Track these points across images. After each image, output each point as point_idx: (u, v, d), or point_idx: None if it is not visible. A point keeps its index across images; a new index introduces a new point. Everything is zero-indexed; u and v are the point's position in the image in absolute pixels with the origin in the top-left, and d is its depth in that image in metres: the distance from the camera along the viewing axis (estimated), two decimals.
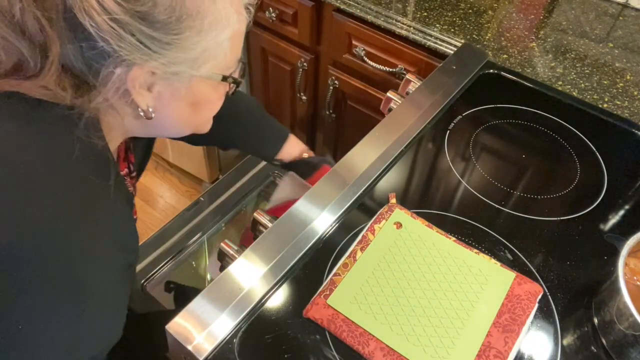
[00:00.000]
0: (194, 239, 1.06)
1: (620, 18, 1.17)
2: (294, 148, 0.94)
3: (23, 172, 0.45)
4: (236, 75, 0.57)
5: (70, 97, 0.47)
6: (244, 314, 0.59)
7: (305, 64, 1.37)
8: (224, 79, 0.54)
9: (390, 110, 0.94)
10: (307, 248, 0.66)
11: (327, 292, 0.62)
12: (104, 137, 0.51)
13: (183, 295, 0.97)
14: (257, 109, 0.95)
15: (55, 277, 0.45)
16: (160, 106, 0.52)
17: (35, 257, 0.44)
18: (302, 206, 0.70)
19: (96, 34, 0.43)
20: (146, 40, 0.44)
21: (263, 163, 1.21)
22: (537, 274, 0.66)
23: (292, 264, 0.64)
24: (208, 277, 1.11)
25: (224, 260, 0.72)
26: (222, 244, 0.73)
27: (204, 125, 0.62)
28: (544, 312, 0.63)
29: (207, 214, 1.11)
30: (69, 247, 0.46)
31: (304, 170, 0.93)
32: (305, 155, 0.94)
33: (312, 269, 0.65)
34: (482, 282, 0.64)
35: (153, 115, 0.51)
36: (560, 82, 0.97)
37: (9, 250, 0.43)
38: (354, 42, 1.21)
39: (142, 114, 0.51)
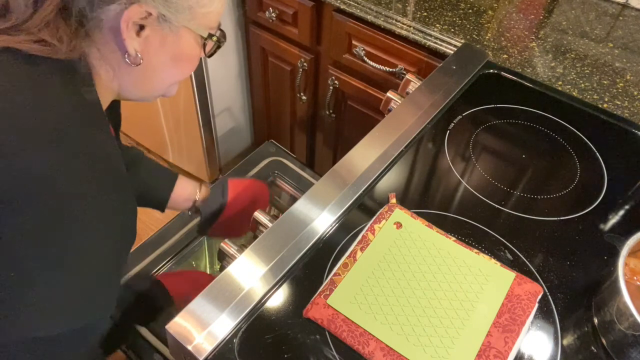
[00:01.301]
0: (194, 239, 1.06)
1: (620, 18, 1.17)
2: (185, 188, 0.90)
3: (19, 125, 0.46)
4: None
5: (65, 48, 0.48)
6: (244, 314, 0.59)
7: (305, 64, 1.37)
8: (210, 36, 0.57)
9: (390, 110, 0.94)
10: (307, 248, 0.66)
11: (327, 292, 0.62)
12: (96, 92, 0.53)
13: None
14: (141, 157, 0.89)
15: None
16: (146, 53, 0.54)
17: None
18: (302, 206, 0.70)
19: None
20: None
21: (263, 163, 1.21)
22: (537, 274, 0.66)
23: (292, 264, 0.64)
24: None
25: (224, 260, 0.72)
26: (222, 244, 0.73)
27: (174, 86, 0.63)
28: (544, 312, 0.63)
29: None
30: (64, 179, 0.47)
31: (217, 197, 0.91)
32: (204, 189, 0.92)
33: (312, 269, 0.65)
34: (482, 282, 0.64)
35: (141, 61, 0.53)
36: (560, 82, 0.97)
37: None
38: (354, 42, 1.21)
39: (128, 61, 0.53)
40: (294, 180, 1.19)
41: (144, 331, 0.84)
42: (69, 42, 0.49)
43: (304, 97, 1.46)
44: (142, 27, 0.51)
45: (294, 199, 1.16)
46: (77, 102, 0.50)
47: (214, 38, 0.58)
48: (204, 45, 0.58)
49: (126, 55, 0.52)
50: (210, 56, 0.62)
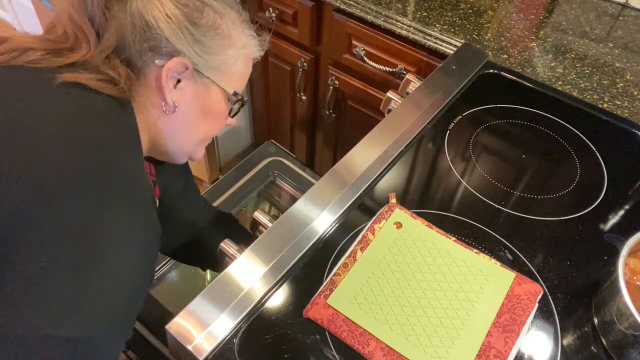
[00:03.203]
0: None
1: (620, 18, 1.17)
2: None
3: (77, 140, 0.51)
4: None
5: (124, 85, 0.55)
6: (244, 314, 0.59)
7: (305, 64, 1.37)
8: (235, 94, 0.65)
9: (390, 110, 0.94)
10: (307, 248, 0.66)
11: (327, 292, 0.62)
12: (138, 130, 0.58)
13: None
14: (230, 222, 0.94)
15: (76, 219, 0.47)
16: (181, 103, 0.60)
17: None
18: (302, 206, 0.70)
19: (156, 25, 0.55)
20: (190, 37, 0.57)
21: (263, 163, 1.21)
22: (537, 274, 0.66)
23: (292, 264, 0.64)
24: (208, 277, 1.11)
25: (224, 260, 0.72)
26: (222, 244, 0.73)
27: (201, 148, 0.69)
28: (544, 312, 0.63)
29: None
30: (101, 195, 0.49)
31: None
32: None
33: (312, 269, 0.65)
34: (482, 282, 0.64)
35: (176, 110, 0.60)
36: (560, 82, 0.97)
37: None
38: (354, 42, 1.21)
39: (165, 109, 0.60)
40: (294, 180, 1.19)
41: (146, 333, 0.84)
42: (126, 80, 0.56)
43: (304, 97, 1.46)
44: (178, 81, 0.59)
45: (294, 199, 1.16)
46: (124, 131, 0.56)
47: (239, 96, 0.66)
48: (229, 102, 0.66)
49: (164, 104, 0.59)
50: (233, 116, 0.69)
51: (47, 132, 0.49)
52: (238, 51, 0.62)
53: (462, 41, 1.04)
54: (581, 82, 0.98)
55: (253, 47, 0.65)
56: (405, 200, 0.75)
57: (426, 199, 0.76)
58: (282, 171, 1.18)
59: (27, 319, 0.45)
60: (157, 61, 0.56)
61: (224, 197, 1.14)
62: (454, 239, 0.68)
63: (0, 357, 0.44)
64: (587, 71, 1.00)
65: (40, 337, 0.45)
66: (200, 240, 0.88)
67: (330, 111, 1.41)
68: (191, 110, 0.62)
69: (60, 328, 0.46)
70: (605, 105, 0.93)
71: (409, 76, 0.98)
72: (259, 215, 0.75)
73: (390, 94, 0.95)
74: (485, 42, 1.05)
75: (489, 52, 1.02)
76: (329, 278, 0.64)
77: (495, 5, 1.18)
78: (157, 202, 0.72)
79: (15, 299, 0.45)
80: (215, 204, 1.12)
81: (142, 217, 0.53)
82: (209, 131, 0.66)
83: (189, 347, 0.56)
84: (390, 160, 0.79)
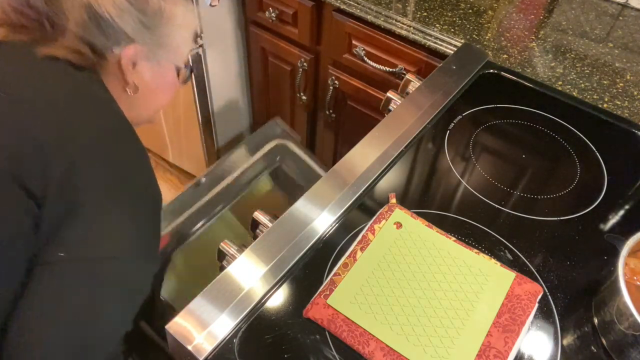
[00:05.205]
0: (199, 225, 1.04)
1: (620, 18, 1.17)
2: None
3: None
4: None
5: (92, 59, 0.62)
6: (244, 314, 0.59)
7: (305, 64, 1.37)
8: (185, 66, 0.74)
9: (390, 110, 0.94)
10: (307, 248, 0.66)
11: (327, 292, 0.62)
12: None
13: None
14: None
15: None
16: (141, 82, 0.68)
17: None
18: (302, 206, 0.70)
19: (109, 17, 0.59)
20: (139, 25, 0.62)
21: (270, 144, 1.18)
22: (537, 274, 0.66)
23: (292, 264, 0.64)
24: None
25: (224, 260, 0.72)
26: (222, 244, 0.73)
27: (158, 113, 0.79)
28: (544, 312, 0.63)
29: (210, 198, 1.09)
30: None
31: None
32: None
33: (312, 269, 0.65)
34: (482, 282, 0.64)
35: (139, 89, 0.68)
36: (560, 82, 0.97)
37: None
38: (354, 42, 1.21)
39: (128, 90, 0.67)
40: (299, 165, 1.15)
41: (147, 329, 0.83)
42: (96, 55, 0.62)
43: (304, 97, 1.46)
44: (134, 64, 0.65)
45: (299, 186, 1.12)
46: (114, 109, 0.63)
47: (188, 66, 0.76)
48: (178, 74, 0.74)
49: (127, 86, 0.67)
50: (184, 83, 0.78)
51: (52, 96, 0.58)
52: (183, 29, 0.69)
53: (462, 41, 1.04)
54: (581, 82, 0.98)
55: (193, 20, 0.72)
56: (405, 200, 0.75)
57: (426, 199, 0.75)
58: (287, 156, 1.15)
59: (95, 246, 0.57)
60: (114, 49, 0.62)
61: (229, 180, 1.11)
62: (454, 239, 0.68)
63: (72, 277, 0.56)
64: (587, 71, 1.00)
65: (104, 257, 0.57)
66: None
67: (330, 111, 1.41)
68: (149, 86, 0.70)
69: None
70: (605, 105, 0.93)
71: (409, 76, 0.98)
72: (259, 215, 0.75)
73: (390, 94, 0.95)
74: (485, 42, 1.05)
75: (489, 52, 1.02)
76: (329, 278, 0.64)
77: (495, 5, 1.18)
78: None
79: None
80: (217, 188, 1.09)
81: (143, 147, 0.64)
82: (165, 100, 0.76)
83: (189, 347, 0.56)
84: (390, 160, 0.79)
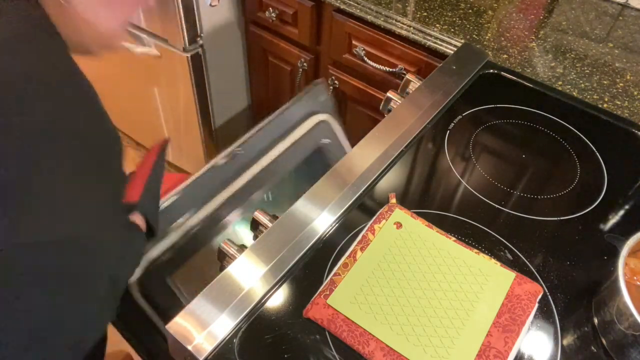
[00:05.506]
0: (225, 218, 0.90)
1: (620, 18, 1.17)
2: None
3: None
4: None
5: None
6: (244, 314, 0.59)
7: (305, 64, 1.37)
8: None
9: (390, 110, 0.94)
10: (307, 248, 0.66)
11: (327, 292, 0.62)
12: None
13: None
14: None
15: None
16: None
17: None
18: (302, 206, 0.70)
19: None
20: None
21: (314, 119, 1.04)
22: (537, 274, 0.66)
23: (292, 264, 0.64)
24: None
25: (224, 260, 0.72)
26: (222, 244, 0.73)
27: (116, 35, 0.61)
28: (544, 312, 0.63)
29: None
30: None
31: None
32: None
33: (312, 269, 0.65)
34: (482, 282, 0.64)
35: None
36: (560, 82, 0.97)
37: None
38: (354, 42, 1.21)
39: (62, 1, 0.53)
40: (339, 150, 1.03)
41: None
42: None
43: None
44: None
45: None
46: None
47: None
48: None
49: None
50: None
51: None
52: None
53: (462, 41, 1.04)
54: (581, 82, 0.98)
55: None
56: (405, 200, 0.75)
57: (426, 199, 0.76)
58: (330, 136, 1.00)
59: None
60: None
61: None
62: (454, 239, 0.68)
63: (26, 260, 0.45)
64: (587, 71, 1.00)
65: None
66: None
67: None
68: None
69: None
70: (605, 105, 0.93)
71: (409, 76, 0.98)
72: (259, 216, 0.75)
73: (390, 94, 0.95)
74: (485, 42, 1.05)
75: (489, 52, 1.02)
76: (329, 278, 0.64)
77: (495, 5, 1.18)
78: None
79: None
80: (254, 169, 0.96)
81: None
82: (118, 17, 0.59)
83: (189, 347, 0.56)
84: (390, 160, 0.79)
